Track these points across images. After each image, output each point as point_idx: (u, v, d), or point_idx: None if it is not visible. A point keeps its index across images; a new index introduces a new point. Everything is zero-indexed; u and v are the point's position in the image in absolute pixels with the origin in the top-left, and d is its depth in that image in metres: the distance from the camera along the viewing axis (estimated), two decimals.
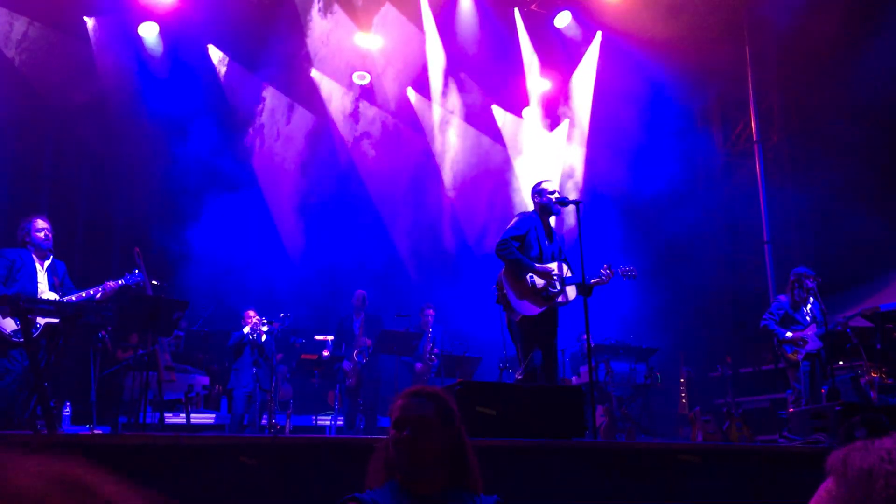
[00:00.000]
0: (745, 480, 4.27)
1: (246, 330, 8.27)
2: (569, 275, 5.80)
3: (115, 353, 8.40)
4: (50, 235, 6.06)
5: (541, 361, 5.68)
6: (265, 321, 8.25)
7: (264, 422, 8.37)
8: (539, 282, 5.67)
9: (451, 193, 12.11)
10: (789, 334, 7.40)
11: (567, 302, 5.75)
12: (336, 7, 11.06)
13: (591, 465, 4.03)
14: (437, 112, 12.09)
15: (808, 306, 7.53)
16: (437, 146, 12.20)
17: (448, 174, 12.19)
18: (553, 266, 5.77)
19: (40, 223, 6.05)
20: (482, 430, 4.00)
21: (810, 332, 7.42)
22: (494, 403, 4.29)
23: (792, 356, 7.37)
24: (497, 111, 12.30)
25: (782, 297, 7.67)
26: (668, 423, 9.99)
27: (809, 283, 7.49)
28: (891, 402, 7.67)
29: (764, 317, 7.61)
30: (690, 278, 10.89)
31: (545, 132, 12.54)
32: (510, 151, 12.44)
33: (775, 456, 4.62)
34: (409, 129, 12.17)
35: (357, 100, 11.88)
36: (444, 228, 12.13)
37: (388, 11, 11.26)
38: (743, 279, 11.08)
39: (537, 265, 5.71)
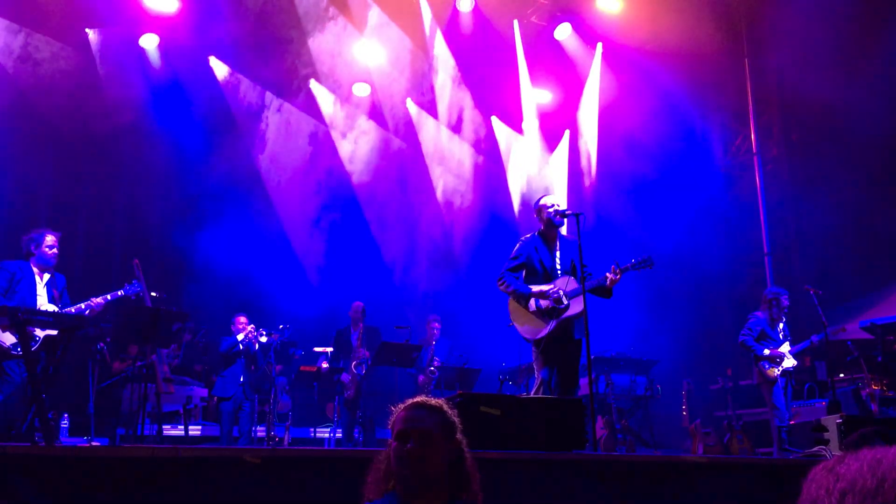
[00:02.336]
0: (746, 494, 4.25)
1: (240, 337, 8.21)
2: (574, 286, 5.76)
3: (112, 364, 8.38)
4: (57, 253, 6.06)
5: (555, 377, 5.67)
6: (262, 332, 8.19)
7: (262, 433, 8.33)
8: (542, 303, 5.69)
9: (445, 206, 12.15)
10: (767, 351, 7.45)
11: (578, 314, 5.66)
12: (338, 18, 11.10)
13: (591, 477, 4.00)
14: (435, 125, 12.12)
15: (781, 324, 7.58)
16: (436, 158, 12.23)
17: (444, 186, 12.23)
18: (549, 286, 5.74)
19: (51, 239, 6.05)
20: (481, 441, 3.97)
21: (785, 349, 7.45)
22: (500, 411, 4.27)
23: (770, 372, 7.40)
24: (496, 123, 12.33)
25: (759, 314, 7.71)
26: (669, 435, 9.95)
27: (785, 300, 7.62)
28: (892, 414, 7.66)
29: (742, 332, 7.66)
30: (691, 290, 10.89)
31: (544, 144, 12.59)
32: (508, 162, 12.46)
33: (776, 469, 4.60)
34: (407, 140, 12.19)
35: (357, 111, 11.90)
36: (442, 240, 12.14)
37: (390, 24, 11.30)
38: (743, 291, 11.06)
39: (534, 289, 5.71)
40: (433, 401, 2.38)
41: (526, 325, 5.76)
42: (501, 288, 5.83)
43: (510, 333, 6.39)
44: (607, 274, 5.71)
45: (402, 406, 2.35)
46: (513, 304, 5.84)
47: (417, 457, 2.18)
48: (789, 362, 7.40)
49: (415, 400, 2.37)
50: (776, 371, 7.36)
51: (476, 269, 11.45)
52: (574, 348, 5.76)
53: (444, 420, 2.29)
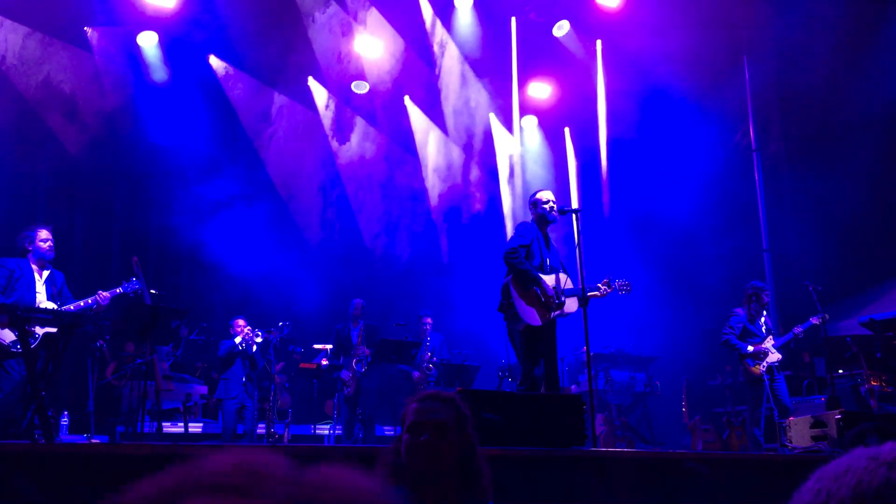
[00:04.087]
0: (746, 489, 4.25)
1: (237, 340, 8.21)
2: (569, 286, 5.78)
3: (109, 363, 8.38)
4: (53, 246, 6.06)
5: (543, 371, 5.67)
6: (259, 333, 8.19)
7: (262, 430, 8.34)
8: (545, 294, 5.68)
9: (435, 202, 12.17)
10: (750, 348, 7.42)
11: (567, 314, 5.71)
12: (338, 15, 11.08)
13: (591, 474, 4.01)
14: (432, 122, 12.12)
15: (763, 318, 7.56)
16: (432, 156, 12.23)
17: (440, 184, 12.24)
18: (552, 278, 5.77)
19: (45, 233, 6.05)
20: (481, 438, 3.97)
21: (769, 344, 7.43)
22: (494, 412, 4.27)
23: (755, 370, 7.37)
24: (493, 120, 12.32)
25: (739, 311, 7.67)
26: (669, 432, 9.97)
27: (766, 297, 7.59)
28: (891, 410, 7.66)
29: (724, 331, 7.59)
30: (689, 286, 10.89)
31: (542, 142, 12.59)
32: (503, 159, 12.45)
33: (776, 465, 4.61)
34: (404, 137, 12.19)
35: (355, 108, 11.90)
36: (438, 237, 12.15)
37: (390, 21, 11.28)
38: (742, 287, 11.06)
39: (545, 277, 5.71)
40: (445, 393, 2.34)
41: (532, 310, 5.65)
42: (513, 261, 5.65)
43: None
44: (599, 285, 5.74)
45: (414, 398, 2.30)
46: (517, 285, 5.70)
47: (432, 449, 2.14)
48: (774, 357, 7.38)
49: (428, 392, 2.33)
50: (761, 367, 7.34)
51: (474, 267, 11.45)
52: (554, 348, 5.79)
53: (458, 413, 2.24)
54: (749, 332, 7.50)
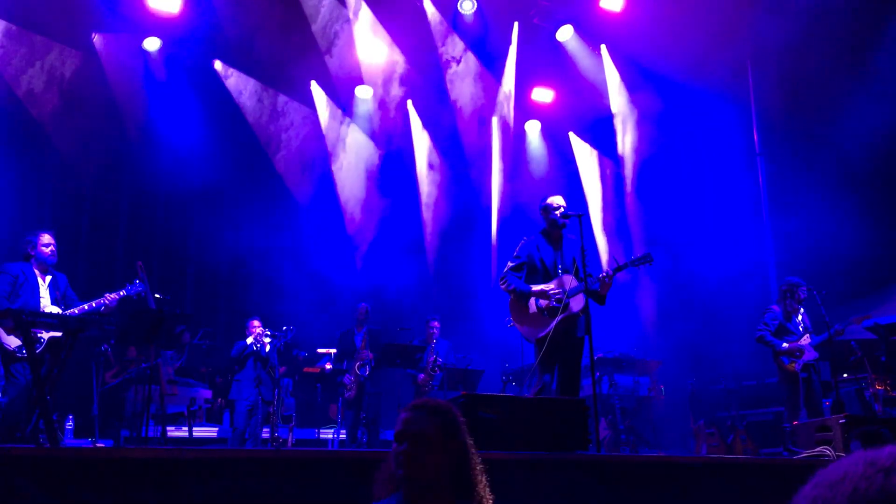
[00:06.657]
0: (750, 494, 4.25)
1: (249, 340, 8.26)
2: (574, 284, 5.75)
3: (113, 366, 8.41)
4: (55, 251, 6.06)
5: (557, 377, 5.67)
6: (269, 332, 8.24)
7: (266, 435, 8.36)
8: (542, 302, 5.69)
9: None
10: (786, 345, 7.33)
11: (580, 311, 5.65)
12: (342, 20, 11.10)
13: (594, 478, 4.01)
14: (435, 127, 12.14)
15: (800, 316, 7.49)
16: (439, 161, 12.26)
17: (441, 189, 12.27)
18: (554, 284, 5.75)
19: (47, 238, 6.05)
20: (484, 442, 3.97)
21: (805, 342, 7.37)
22: (497, 415, 4.27)
23: (789, 367, 7.31)
24: (495, 125, 12.33)
25: (775, 308, 7.59)
26: (673, 436, 9.95)
27: (802, 293, 7.47)
28: (895, 414, 7.63)
29: (758, 328, 7.53)
30: (694, 290, 10.88)
31: (544, 147, 12.61)
32: (504, 163, 12.47)
33: (780, 469, 4.60)
34: (406, 142, 12.22)
35: (358, 113, 11.93)
36: (444, 241, 12.16)
37: (394, 27, 11.31)
38: (746, 292, 11.05)
39: (535, 288, 5.72)
40: (436, 402, 2.37)
41: (526, 326, 5.76)
42: (503, 287, 5.88)
43: (512, 334, 6.40)
44: (599, 276, 5.68)
45: (406, 407, 2.35)
46: (514, 304, 5.85)
47: (411, 458, 2.18)
48: (810, 355, 7.33)
49: (417, 401, 2.37)
50: (796, 365, 7.26)
51: (478, 269, 11.46)
52: (577, 346, 5.74)
53: (445, 422, 2.27)
54: (786, 329, 7.41)
